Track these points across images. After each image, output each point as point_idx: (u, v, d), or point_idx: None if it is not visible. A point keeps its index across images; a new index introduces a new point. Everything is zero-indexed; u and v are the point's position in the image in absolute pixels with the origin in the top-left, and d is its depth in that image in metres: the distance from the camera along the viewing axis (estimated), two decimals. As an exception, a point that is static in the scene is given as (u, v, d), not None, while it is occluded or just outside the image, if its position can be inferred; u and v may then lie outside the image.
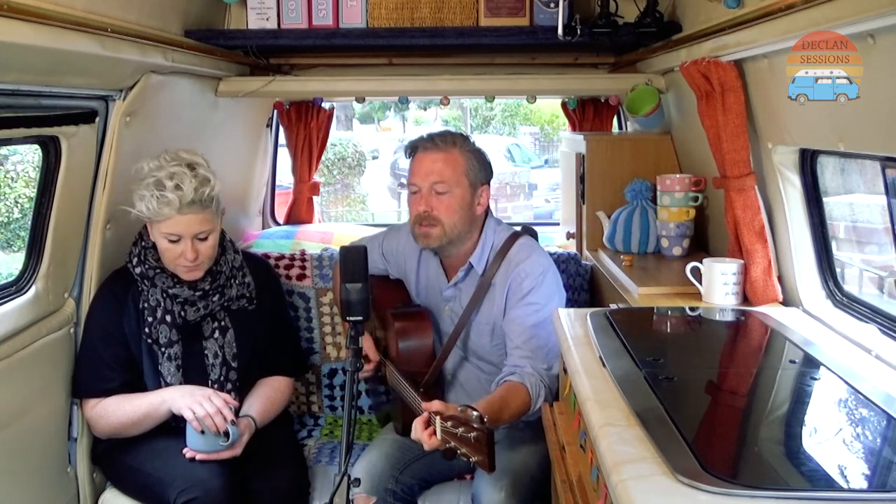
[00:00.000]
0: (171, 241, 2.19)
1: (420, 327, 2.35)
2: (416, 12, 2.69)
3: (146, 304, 2.27)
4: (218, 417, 2.15)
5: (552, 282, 2.25)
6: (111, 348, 2.27)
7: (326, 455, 2.55)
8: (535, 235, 2.43)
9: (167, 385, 2.26)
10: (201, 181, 2.17)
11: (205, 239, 2.22)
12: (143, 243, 2.29)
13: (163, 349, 2.26)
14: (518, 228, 2.41)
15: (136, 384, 2.28)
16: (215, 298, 2.31)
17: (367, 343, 2.39)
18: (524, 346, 2.15)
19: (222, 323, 2.34)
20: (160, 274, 2.27)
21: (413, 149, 2.30)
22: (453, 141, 2.27)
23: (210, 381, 2.30)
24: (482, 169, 2.29)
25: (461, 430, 1.70)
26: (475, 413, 1.70)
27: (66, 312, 2.30)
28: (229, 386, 2.32)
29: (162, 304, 2.27)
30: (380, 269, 2.53)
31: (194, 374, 2.30)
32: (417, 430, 1.82)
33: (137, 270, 2.28)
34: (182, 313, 2.27)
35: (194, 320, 2.30)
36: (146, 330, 2.27)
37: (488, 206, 2.36)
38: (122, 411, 2.23)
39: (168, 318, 2.26)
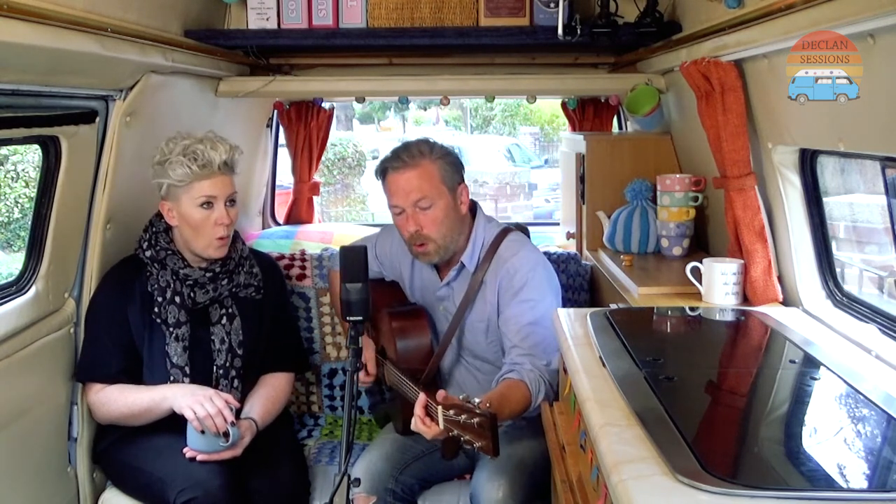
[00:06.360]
0: (205, 208, 2.23)
1: (417, 325, 2.35)
2: (416, 12, 2.70)
3: (156, 286, 2.29)
4: (219, 418, 2.15)
5: (543, 276, 2.23)
6: (114, 333, 2.28)
7: (326, 455, 2.55)
8: (526, 232, 2.42)
9: (173, 366, 2.27)
10: (230, 145, 2.26)
11: (233, 204, 2.29)
12: (153, 228, 2.32)
13: (171, 329, 2.27)
14: (508, 225, 2.39)
15: (137, 372, 2.28)
16: (224, 282, 2.33)
17: (367, 352, 2.35)
18: (522, 343, 2.14)
19: (230, 310, 2.36)
20: (171, 255, 2.29)
21: (383, 171, 2.27)
22: (420, 152, 2.23)
23: (215, 367, 2.32)
24: (455, 170, 2.27)
25: (463, 416, 1.69)
26: (476, 400, 1.71)
27: (67, 312, 2.30)
28: (233, 373, 2.34)
29: (171, 285, 2.28)
30: (374, 271, 2.50)
31: (200, 359, 2.31)
32: (418, 415, 1.82)
33: (148, 254, 2.29)
34: (192, 295, 2.29)
35: (203, 303, 2.31)
36: (155, 310, 2.28)
37: (477, 204, 2.36)
38: (123, 402, 2.24)
39: (177, 299, 2.28)
